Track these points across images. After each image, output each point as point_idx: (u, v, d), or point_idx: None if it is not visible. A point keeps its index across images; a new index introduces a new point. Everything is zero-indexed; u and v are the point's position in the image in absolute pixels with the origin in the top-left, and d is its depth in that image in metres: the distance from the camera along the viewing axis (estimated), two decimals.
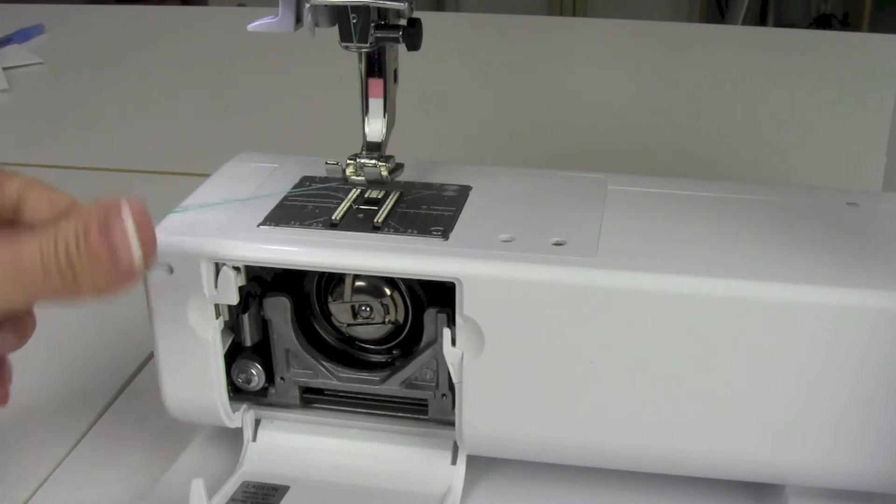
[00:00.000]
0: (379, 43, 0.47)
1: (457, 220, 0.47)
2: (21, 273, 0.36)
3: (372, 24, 0.46)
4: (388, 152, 0.49)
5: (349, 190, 0.50)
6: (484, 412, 0.46)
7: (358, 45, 0.46)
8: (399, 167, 0.50)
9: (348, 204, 0.49)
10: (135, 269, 0.37)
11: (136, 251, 0.38)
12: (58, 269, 0.36)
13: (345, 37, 0.46)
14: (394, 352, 0.50)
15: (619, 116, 1.03)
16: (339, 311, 0.49)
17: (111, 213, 0.37)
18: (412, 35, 0.47)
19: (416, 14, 0.47)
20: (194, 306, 0.46)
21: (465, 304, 0.44)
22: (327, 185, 0.50)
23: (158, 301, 0.47)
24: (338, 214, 0.48)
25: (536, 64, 1.19)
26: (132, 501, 0.49)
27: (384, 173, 0.48)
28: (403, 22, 0.47)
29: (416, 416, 0.50)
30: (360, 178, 0.48)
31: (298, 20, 0.46)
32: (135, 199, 0.38)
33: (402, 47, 0.48)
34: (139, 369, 0.62)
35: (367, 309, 0.48)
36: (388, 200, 0.49)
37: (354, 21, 0.45)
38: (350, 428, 0.51)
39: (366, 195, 0.50)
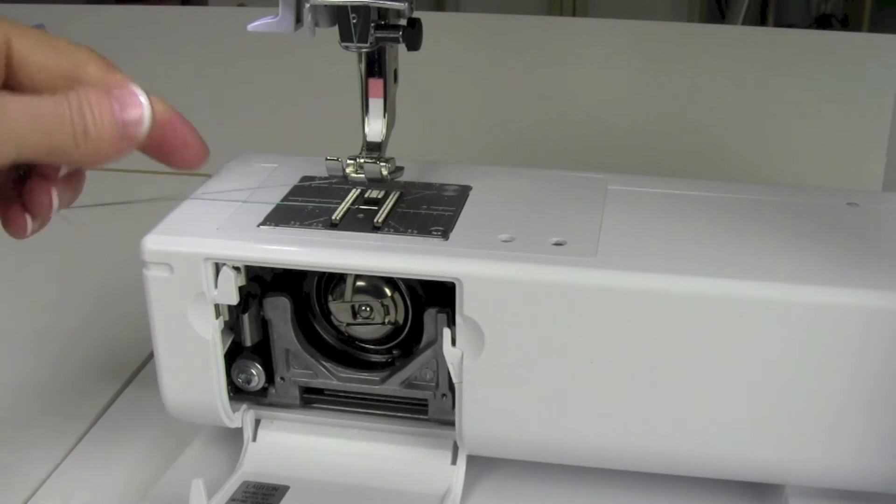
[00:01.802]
0: (379, 43, 0.47)
1: (457, 220, 0.47)
2: (38, 120, 0.37)
3: (372, 24, 0.46)
4: (388, 152, 0.49)
5: (349, 190, 0.50)
6: (484, 412, 0.46)
7: (358, 45, 0.46)
8: (399, 170, 0.50)
9: (348, 204, 0.49)
10: (140, 137, 0.40)
11: (147, 120, 0.40)
12: (71, 125, 0.38)
13: (345, 37, 0.46)
14: (394, 352, 0.50)
15: (619, 116, 1.03)
16: (339, 311, 0.49)
17: (125, 90, 0.40)
18: (412, 35, 0.47)
19: (416, 14, 0.47)
20: (194, 306, 0.46)
21: (465, 304, 0.44)
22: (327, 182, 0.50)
23: (158, 301, 0.47)
24: (338, 214, 0.48)
25: (536, 64, 1.19)
26: (132, 501, 0.49)
27: (384, 172, 0.48)
28: (403, 22, 0.47)
29: (416, 416, 0.50)
30: (360, 176, 0.48)
31: (298, 20, 0.46)
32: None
33: (402, 47, 0.48)
34: (139, 369, 0.62)
35: (368, 309, 0.48)
36: (388, 200, 0.49)
37: (354, 21, 0.45)
38: (350, 428, 0.51)
39: (366, 195, 0.50)
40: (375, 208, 0.48)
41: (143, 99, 0.40)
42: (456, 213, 0.48)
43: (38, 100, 0.37)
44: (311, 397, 0.51)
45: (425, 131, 0.95)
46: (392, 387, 0.49)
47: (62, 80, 0.41)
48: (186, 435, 0.53)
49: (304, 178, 0.52)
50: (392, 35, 0.46)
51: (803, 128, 0.99)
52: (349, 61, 0.48)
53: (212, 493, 0.47)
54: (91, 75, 0.41)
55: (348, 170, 0.48)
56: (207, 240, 0.46)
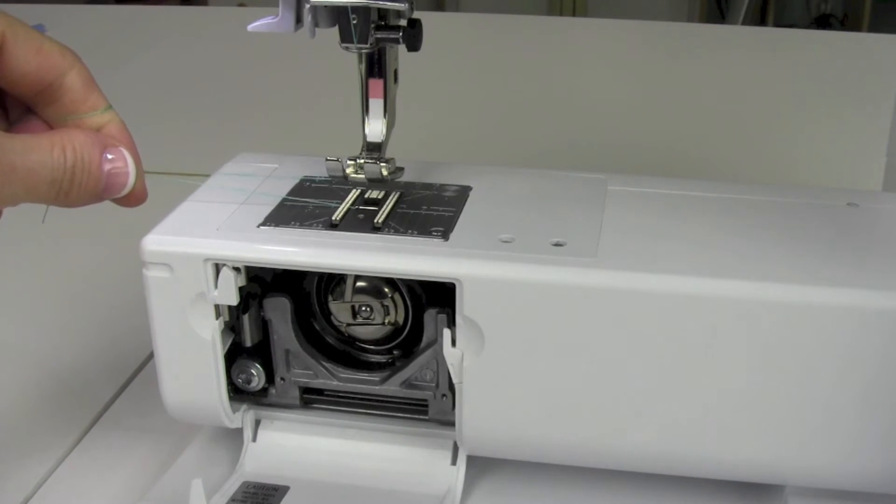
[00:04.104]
0: (379, 44, 0.47)
1: (457, 221, 0.47)
2: (35, 184, 0.40)
3: (372, 25, 0.46)
4: (388, 153, 0.49)
5: (349, 190, 0.50)
6: (484, 412, 0.46)
7: (358, 45, 0.46)
8: (399, 170, 0.50)
9: (348, 205, 0.49)
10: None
11: (132, 179, 0.43)
12: (58, 191, 0.41)
13: (345, 38, 0.46)
14: (394, 352, 0.50)
15: (619, 116, 1.03)
16: (340, 311, 0.49)
17: (109, 148, 0.42)
18: (412, 36, 0.47)
19: (416, 14, 0.47)
20: (194, 306, 0.46)
21: (465, 304, 0.44)
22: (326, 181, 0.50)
23: (158, 301, 0.47)
24: (338, 215, 0.48)
25: (536, 64, 1.19)
26: (132, 501, 0.49)
27: (384, 172, 0.48)
28: (403, 23, 0.47)
29: (416, 416, 0.50)
30: (359, 176, 0.48)
31: (298, 20, 0.46)
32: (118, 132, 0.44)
33: (402, 47, 0.48)
34: (139, 369, 0.62)
35: (368, 309, 0.48)
36: (389, 201, 0.49)
37: (354, 22, 0.45)
38: (350, 428, 0.51)
39: (366, 195, 0.50)
40: (375, 209, 0.48)
41: (132, 177, 0.43)
42: (456, 213, 0.48)
43: (39, 162, 0.40)
44: (311, 397, 0.51)
45: (425, 131, 0.95)
46: (392, 387, 0.49)
47: (40, 89, 0.43)
48: (186, 435, 0.53)
49: (305, 178, 0.52)
50: (392, 36, 0.46)
51: (803, 128, 0.99)
52: (349, 61, 0.48)
53: (212, 493, 0.47)
54: (69, 87, 0.43)
55: (348, 170, 0.48)
56: (207, 240, 0.46)
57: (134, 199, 0.44)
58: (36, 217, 0.44)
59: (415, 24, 0.47)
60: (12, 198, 0.40)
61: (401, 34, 0.47)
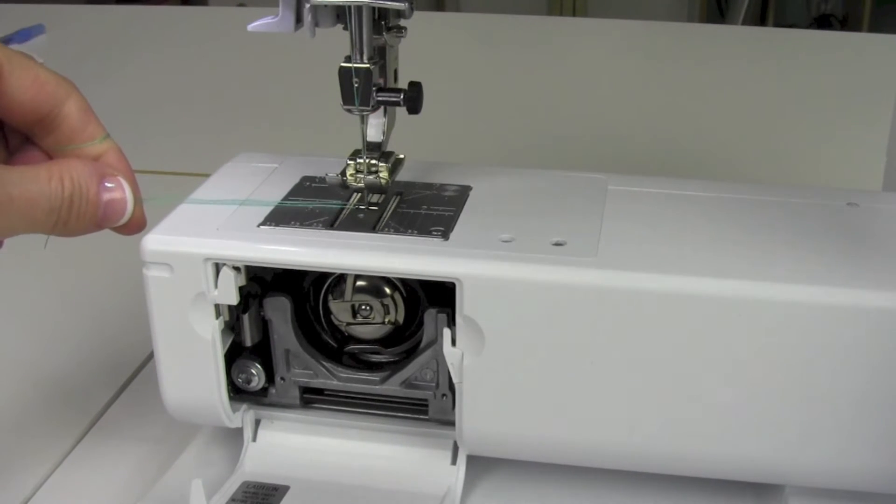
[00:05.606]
0: (380, 105, 0.47)
1: (457, 221, 0.47)
2: (33, 215, 0.40)
3: (374, 88, 0.46)
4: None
5: (350, 196, 0.50)
6: (484, 412, 0.46)
7: (360, 108, 0.46)
8: (399, 162, 0.50)
9: (350, 210, 0.49)
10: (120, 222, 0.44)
11: (130, 208, 0.43)
12: (55, 222, 0.41)
13: (347, 100, 0.46)
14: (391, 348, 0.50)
15: (619, 116, 1.03)
16: (339, 310, 0.49)
17: (107, 177, 0.42)
18: (413, 98, 0.47)
19: (416, 14, 0.47)
20: (194, 306, 0.46)
21: (465, 304, 0.44)
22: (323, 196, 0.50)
23: (158, 301, 0.47)
24: (339, 222, 0.48)
25: (536, 64, 1.19)
26: (132, 502, 0.49)
27: (383, 183, 0.48)
28: (405, 87, 0.47)
29: (416, 416, 0.50)
30: (359, 185, 0.48)
31: (298, 20, 0.46)
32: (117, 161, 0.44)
33: (403, 42, 0.48)
34: (139, 369, 0.62)
35: (368, 308, 0.48)
36: (389, 206, 0.49)
37: (357, 85, 0.46)
38: (350, 428, 0.51)
39: (367, 199, 0.49)
40: (376, 209, 0.48)
41: (130, 205, 0.43)
42: (456, 213, 0.48)
43: (37, 193, 0.40)
44: (311, 397, 0.51)
45: (425, 131, 0.95)
46: (392, 387, 0.49)
47: (38, 118, 0.43)
48: (186, 435, 0.53)
49: (305, 178, 0.52)
50: (393, 98, 0.47)
51: (803, 128, 0.99)
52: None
53: (212, 493, 0.47)
54: (67, 117, 0.43)
55: (348, 171, 0.48)
56: (207, 240, 0.46)
57: (133, 226, 0.44)
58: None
59: (416, 87, 0.47)
60: (10, 229, 0.39)
61: (402, 96, 0.47)
